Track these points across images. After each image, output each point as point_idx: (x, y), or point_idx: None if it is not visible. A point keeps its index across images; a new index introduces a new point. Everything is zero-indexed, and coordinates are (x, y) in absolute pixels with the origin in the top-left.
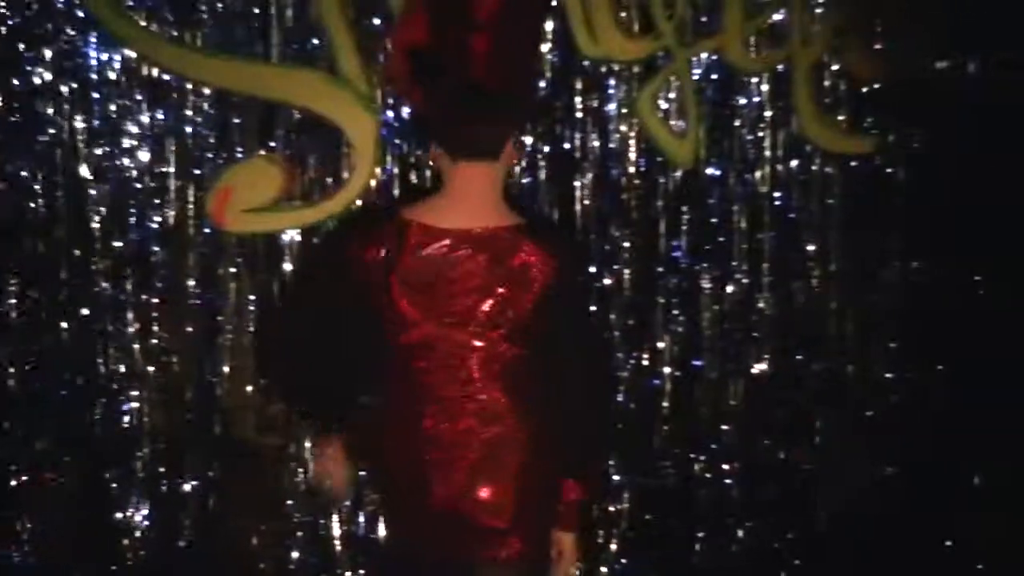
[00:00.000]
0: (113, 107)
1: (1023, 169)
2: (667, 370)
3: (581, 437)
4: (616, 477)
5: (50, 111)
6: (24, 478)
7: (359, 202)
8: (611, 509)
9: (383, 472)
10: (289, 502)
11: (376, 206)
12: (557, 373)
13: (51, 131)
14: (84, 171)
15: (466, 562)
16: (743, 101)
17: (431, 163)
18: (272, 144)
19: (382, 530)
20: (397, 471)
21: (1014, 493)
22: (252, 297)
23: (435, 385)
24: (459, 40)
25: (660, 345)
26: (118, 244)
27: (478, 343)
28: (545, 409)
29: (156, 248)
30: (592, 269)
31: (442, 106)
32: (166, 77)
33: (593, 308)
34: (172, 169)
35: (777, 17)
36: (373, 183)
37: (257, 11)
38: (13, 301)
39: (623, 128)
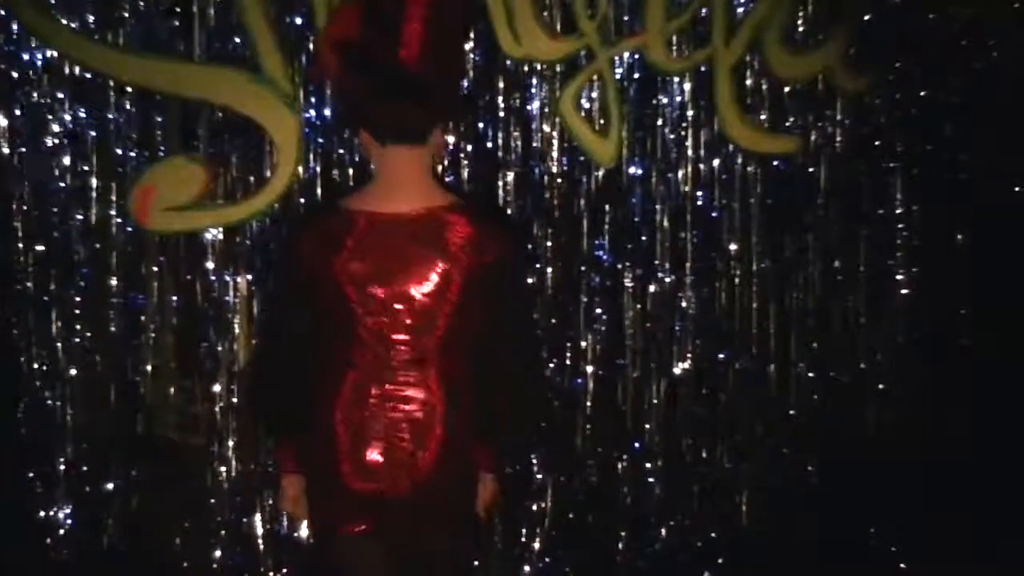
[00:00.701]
0: (35, 105)
1: (943, 167)
2: (590, 369)
3: (511, 413)
4: (539, 476)
5: None
6: None
7: (280, 201)
8: (534, 508)
9: (309, 448)
10: (212, 501)
11: (316, 204)
12: (491, 349)
13: None
14: (6, 170)
15: (386, 531)
16: (665, 100)
17: (364, 149)
18: (194, 143)
19: (304, 530)
20: (321, 444)
21: (937, 490)
22: (174, 296)
23: (372, 363)
24: (388, 30)
25: (583, 344)
26: (40, 243)
27: (417, 320)
28: (472, 387)
29: (78, 247)
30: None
31: (371, 93)
32: (88, 76)
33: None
34: (94, 168)
35: (699, 16)
36: (296, 182)
37: (179, 10)
38: None
39: (546, 127)
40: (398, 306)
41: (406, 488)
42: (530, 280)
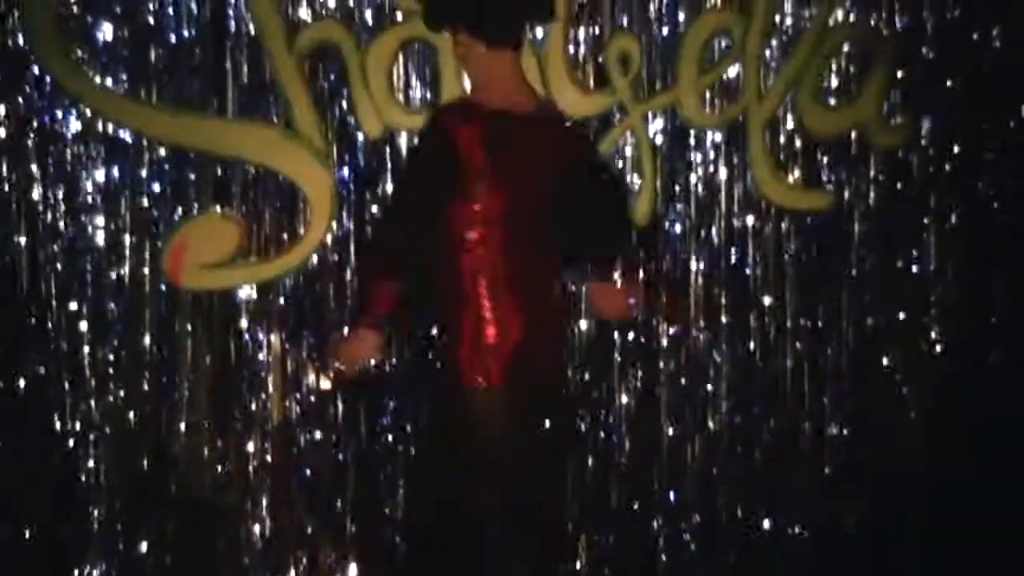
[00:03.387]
0: (69, 163)
1: (977, 222)
2: (624, 427)
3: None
4: (573, 534)
5: (5, 167)
6: None
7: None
8: (569, 566)
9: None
10: (245, 560)
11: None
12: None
13: (6, 187)
14: (40, 227)
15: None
16: (698, 156)
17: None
18: (227, 200)
19: None
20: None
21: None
22: (208, 354)
23: (493, 245)
24: None
25: (617, 401)
26: (73, 301)
27: (525, 207)
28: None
29: (112, 304)
30: None
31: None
32: (122, 133)
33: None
34: (127, 225)
35: (731, 73)
36: (329, 238)
37: (212, 66)
38: None
39: None
40: (510, 190)
41: (524, 354)
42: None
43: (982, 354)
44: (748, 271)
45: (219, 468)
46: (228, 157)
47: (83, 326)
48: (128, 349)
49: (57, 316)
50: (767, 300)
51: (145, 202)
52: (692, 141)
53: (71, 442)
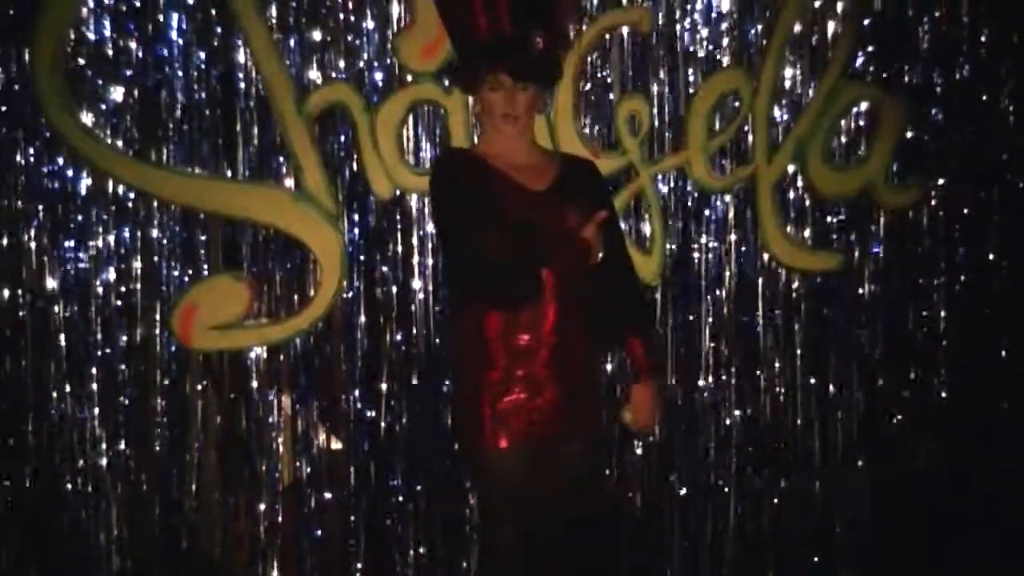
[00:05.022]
0: (79, 224)
1: (985, 280)
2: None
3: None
4: None
5: (14, 227)
6: None
7: (323, 320)
8: None
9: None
10: None
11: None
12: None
13: (16, 248)
14: (50, 288)
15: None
16: (710, 216)
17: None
18: (238, 261)
19: None
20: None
21: None
22: (218, 415)
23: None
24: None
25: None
26: (84, 363)
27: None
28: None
29: (122, 366)
30: None
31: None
32: (132, 195)
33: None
34: (138, 287)
35: (741, 134)
36: (339, 299)
37: (222, 128)
38: None
39: None
40: None
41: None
42: None
43: (990, 412)
44: (758, 330)
45: (230, 529)
46: (238, 219)
47: (94, 388)
48: (139, 410)
49: (68, 378)
50: (776, 361)
51: (155, 264)
52: (702, 201)
53: (83, 501)
